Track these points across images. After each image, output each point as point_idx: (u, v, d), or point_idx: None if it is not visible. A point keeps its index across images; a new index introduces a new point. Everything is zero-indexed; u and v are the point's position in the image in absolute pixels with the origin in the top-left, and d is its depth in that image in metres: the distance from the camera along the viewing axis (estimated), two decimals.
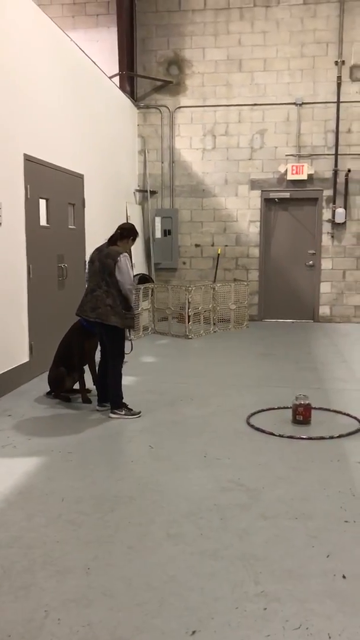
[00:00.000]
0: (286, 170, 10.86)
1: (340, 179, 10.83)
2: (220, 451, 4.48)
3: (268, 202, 11.22)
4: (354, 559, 2.98)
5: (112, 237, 5.34)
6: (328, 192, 10.96)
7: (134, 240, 5.47)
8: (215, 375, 6.93)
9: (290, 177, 10.85)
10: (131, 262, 5.33)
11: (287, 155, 10.95)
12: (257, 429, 4.96)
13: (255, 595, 2.68)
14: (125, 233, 5.37)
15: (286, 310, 11.46)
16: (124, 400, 5.40)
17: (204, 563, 2.95)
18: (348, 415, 5.34)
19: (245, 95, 10.95)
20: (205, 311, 10.00)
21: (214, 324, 10.18)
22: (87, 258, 5.54)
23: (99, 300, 5.15)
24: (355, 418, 5.26)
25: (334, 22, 10.56)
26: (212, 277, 11.25)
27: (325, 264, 11.16)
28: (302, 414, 5.11)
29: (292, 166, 10.81)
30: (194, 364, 7.77)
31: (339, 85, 10.66)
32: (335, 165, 10.81)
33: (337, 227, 10.99)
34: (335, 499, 3.65)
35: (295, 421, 5.14)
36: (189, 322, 9.48)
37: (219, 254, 11.31)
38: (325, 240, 11.10)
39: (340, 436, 4.78)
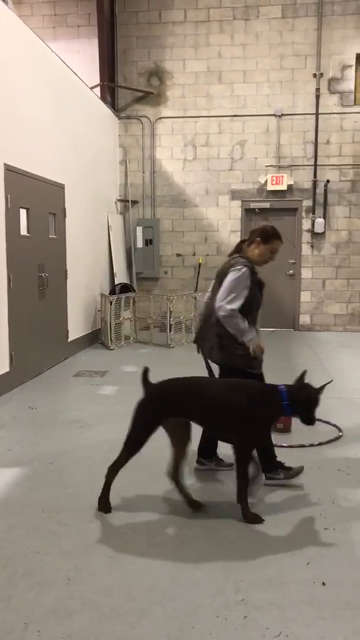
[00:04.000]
0: (266, 181, 10.97)
1: (320, 189, 10.97)
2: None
3: (248, 212, 11.31)
4: (334, 565, 3.00)
5: (237, 245, 4.13)
6: (307, 203, 11.08)
7: (265, 242, 3.95)
8: None
9: (270, 187, 10.96)
10: (250, 276, 3.84)
11: (267, 165, 11.06)
12: None
13: (235, 604, 2.69)
14: (252, 235, 4.01)
15: (267, 319, 11.51)
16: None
17: (184, 572, 2.95)
18: (328, 423, 5.38)
19: (225, 107, 11.06)
20: (186, 320, 10.03)
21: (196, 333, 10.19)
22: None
23: (209, 329, 3.96)
24: (335, 426, 5.30)
25: (312, 35, 10.73)
26: (194, 287, 11.30)
27: (306, 273, 11.26)
28: (282, 423, 5.15)
29: (272, 177, 10.92)
30: (175, 373, 7.73)
31: (317, 97, 10.81)
32: (315, 175, 10.95)
33: (317, 236, 11.11)
34: (315, 507, 3.68)
35: (276, 429, 5.17)
36: (170, 331, 9.50)
37: (200, 264, 11.36)
38: (305, 249, 11.21)
39: (320, 444, 4.82)
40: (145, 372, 3.79)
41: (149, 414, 3.61)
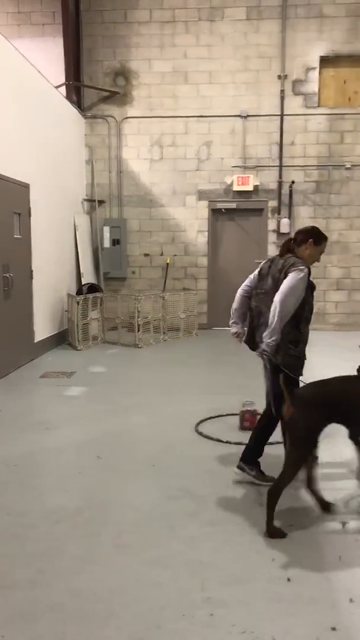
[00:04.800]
0: (232, 182, 11.04)
1: (285, 190, 11.09)
2: (168, 460, 4.50)
3: (215, 213, 11.37)
4: (298, 562, 3.05)
5: (284, 244, 4.03)
6: (273, 203, 11.19)
7: (317, 244, 3.96)
8: (164, 384, 6.96)
9: (236, 188, 11.04)
10: (309, 278, 3.79)
11: (233, 166, 11.13)
12: (206, 437, 5.01)
13: (202, 602, 2.71)
14: (303, 236, 3.96)
15: None
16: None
17: (151, 572, 2.96)
18: None
19: (191, 107, 11.09)
20: (154, 320, 10.03)
21: (164, 332, 10.22)
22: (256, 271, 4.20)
23: (264, 327, 3.87)
24: None
25: (276, 38, 10.83)
26: (162, 287, 11.30)
27: None
28: (248, 420, 5.19)
29: (238, 177, 11.00)
30: (143, 372, 7.78)
31: (282, 98, 10.92)
32: (280, 176, 11.06)
33: (282, 237, 11.21)
34: (280, 504, 3.71)
35: (243, 427, 5.22)
36: (138, 331, 9.48)
37: (167, 264, 11.37)
38: (271, 250, 11.31)
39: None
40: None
41: (313, 419, 3.36)
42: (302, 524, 3.46)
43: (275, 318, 3.68)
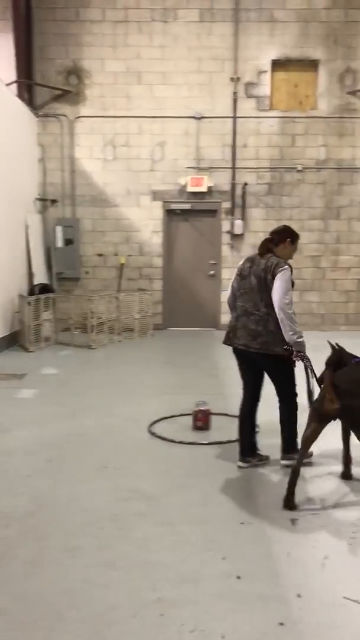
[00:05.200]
0: (186, 182, 11.08)
1: (238, 191, 11.19)
2: (121, 461, 4.48)
3: (169, 213, 11.38)
4: (248, 559, 3.08)
5: (263, 244, 4.29)
6: (226, 205, 11.28)
7: (293, 243, 4.32)
8: (118, 385, 6.93)
9: (190, 189, 11.08)
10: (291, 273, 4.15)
11: (186, 167, 11.17)
12: (159, 437, 5.01)
13: (152, 602, 2.71)
14: (280, 236, 4.28)
15: (189, 319, 11.65)
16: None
17: (101, 574, 2.94)
18: None
19: (145, 108, 11.08)
20: (109, 321, 9.97)
21: (118, 333, 10.18)
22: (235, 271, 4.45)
23: (259, 326, 4.12)
24: None
25: (229, 40, 10.93)
26: (116, 287, 11.25)
27: (226, 274, 11.45)
28: (201, 420, 5.22)
29: (192, 178, 11.05)
30: (97, 374, 7.72)
31: (235, 100, 11.03)
32: (233, 178, 11.16)
33: (236, 238, 11.33)
34: (231, 502, 3.76)
35: (196, 427, 5.25)
36: (92, 332, 9.41)
37: (122, 264, 11.33)
38: (225, 250, 11.41)
39: (237, 440, 4.90)
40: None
41: None
42: (252, 521, 3.49)
43: (286, 321, 4.03)
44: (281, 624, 2.55)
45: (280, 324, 4.06)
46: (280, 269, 4.06)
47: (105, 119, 11.10)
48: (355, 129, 11.09)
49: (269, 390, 4.41)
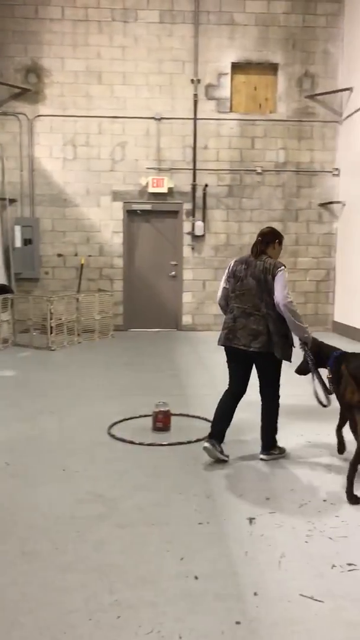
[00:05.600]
0: (147, 183, 11.07)
1: (199, 193, 11.24)
2: (79, 463, 4.44)
3: (130, 214, 11.36)
4: (206, 559, 3.09)
5: (256, 246, 4.46)
6: (187, 206, 11.32)
7: (280, 244, 4.56)
8: (78, 387, 6.87)
9: (151, 189, 11.08)
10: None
11: (147, 168, 11.16)
12: (118, 439, 4.98)
13: (109, 605, 2.69)
14: (269, 237, 4.49)
15: (151, 320, 11.64)
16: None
17: (58, 577, 2.90)
18: (205, 419, 5.52)
19: (105, 107, 11.03)
20: (68, 322, 9.88)
21: (78, 334, 10.09)
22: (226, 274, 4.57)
23: (260, 326, 4.27)
24: (210, 422, 5.44)
25: (189, 42, 10.97)
26: (76, 287, 11.16)
27: (187, 275, 11.50)
28: (161, 421, 5.22)
29: (153, 179, 11.05)
30: (56, 376, 7.64)
31: (195, 102, 11.08)
32: (194, 179, 11.21)
33: (197, 239, 11.38)
34: (190, 503, 3.76)
35: (156, 428, 5.24)
36: (51, 334, 9.31)
37: (82, 264, 11.25)
38: (186, 251, 11.44)
39: (197, 440, 4.92)
40: None
41: None
42: (211, 521, 3.51)
43: (292, 318, 4.25)
44: (238, 622, 2.57)
45: (288, 322, 4.29)
46: (279, 269, 4.29)
47: (65, 118, 11.01)
48: (313, 133, 11.28)
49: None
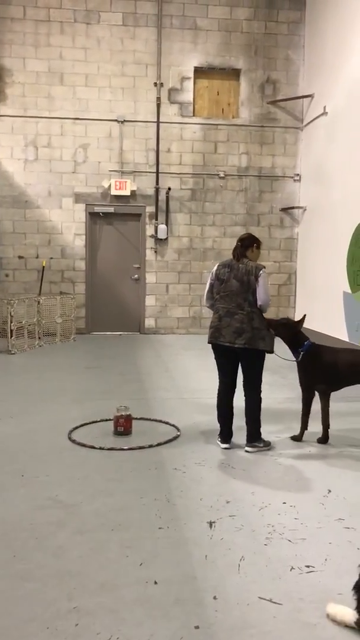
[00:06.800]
0: (110, 186, 11.03)
1: (162, 196, 11.26)
2: (39, 469, 4.39)
3: (93, 216, 11.30)
4: (166, 563, 3.08)
5: (237, 250, 4.85)
6: (150, 209, 11.32)
7: (259, 247, 4.95)
8: (38, 391, 6.79)
9: (113, 192, 11.04)
10: None
11: (110, 170, 11.13)
12: (79, 444, 4.94)
13: (67, 612, 2.66)
14: (248, 242, 4.87)
15: (113, 323, 11.59)
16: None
17: (16, 585, 2.86)
18: (167, 423, 5.53)
19: (67, 109, 10.95)
20: (29, 325, 9.76)
21: (39, 338, 9.98)
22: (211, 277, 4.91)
23: (244, 324, 4.65)
24: (173, 426, 5.46)
25: (152, 45, 10.99)
26: (37, 290, 11.03)
27: (150, 278, 11.49)
28: (122, 425, 5.20)
29: (116, 182, 11.02)
30: (16, 380, 7.54)
31: (158, 106, 11.09)
32: (157, 183, 11.21)
33: (160, 242, 11.39)
34: (151, 507, 3.75)
35: (117, 433, 5.21)
36: (11, 337, 9.18)
37: (43, 267, 11.12)
38: (149, 255, 11.44)
39: (159, 444, 4.93)
40: None
41: None
42: (171, 525, 3.51)
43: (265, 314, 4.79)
44: (197, 627, 2.57)
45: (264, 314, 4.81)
46: (261, 271, 4.72)
47: (27, 119, 10.89)
48: (275, 138, 11.42)
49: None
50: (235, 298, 4.72)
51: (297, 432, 5.21)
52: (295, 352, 5.04)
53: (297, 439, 5.11)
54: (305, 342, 5.02)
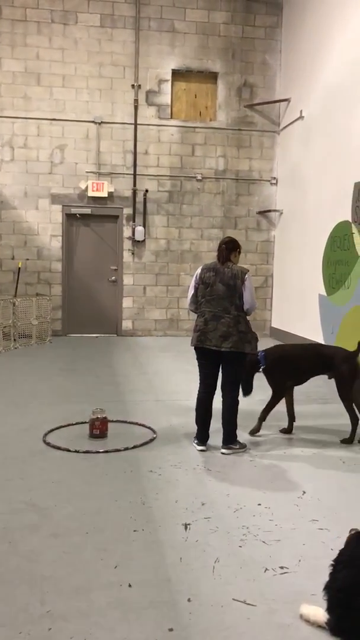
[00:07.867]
0: (87, 187, 10.98)
1: (139, 198, 11.24)
2: (13, 472, 4.34)
3: (69, 217, 11.23)
4: (141, 566, 3.07)
5: (221, 254, 4.90)
6: (128, 211, 11.30)
7: (240, 251, 5.05)
8: (13, 393, 6.72)
9: (91, 193, 10.99)
10: None
11: (87, 172, 11.08)
12: (53, 446, 4.90)
13: (40, 617, 2.64)
14: (232, 245, 4.95)
15: (90, 325, 11.54)
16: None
17: None
18: (143, 425, 5.52)
19: (44, 110, 10.88)
20: (4, 327, 9.66)
21: (15, 339, 9.88)
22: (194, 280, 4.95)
23: (230, 327, 4.71)
24: (149, 428, 5.45)
25: (130, 47, 10.97)
26: (13, 291, 10.92)
27: (127, 280, 11.46)
28: (98, 428, 5.17)
29: (93, 183, 10.97)
30: None
31: (136, 107, 11.08)
32: (134, 184, 11.19)
33: (137, 244, 11.37)
34: (126, 510, 3.74)
35: (92, 435, 5.18)
36: None
37: (19, 268, 11.02)
38: (127, 256, 11.41)
39: (134, 447, 4.91)
40: None
41: None
42: (146, 528, 3.50)
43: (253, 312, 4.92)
44: (171, 629, 2.56)
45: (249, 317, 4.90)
46: (247, 275, 4.81)
47: (3, 119, 10.80)
48: (252, 142, 11.48)
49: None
50: (222, 302, 4.76)
51: (280, 428, 5.54)
52: (256, 371, 5.31)
53: (287, 431, 5.45)
54: (259, 356, 5.24)
